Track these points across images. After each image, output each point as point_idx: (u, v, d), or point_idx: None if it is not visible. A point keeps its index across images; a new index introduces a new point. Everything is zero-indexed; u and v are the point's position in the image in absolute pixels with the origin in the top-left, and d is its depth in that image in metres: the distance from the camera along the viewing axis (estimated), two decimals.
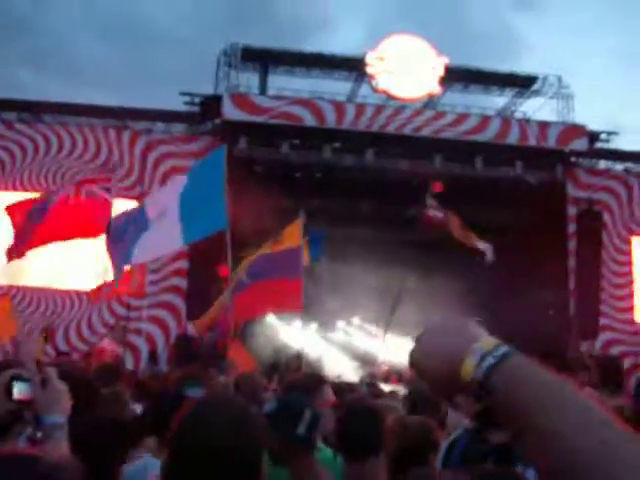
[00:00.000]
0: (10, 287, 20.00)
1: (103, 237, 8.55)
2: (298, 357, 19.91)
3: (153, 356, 19.67)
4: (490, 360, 1.04)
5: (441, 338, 1.14)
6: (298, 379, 4.13)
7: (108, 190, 10.53)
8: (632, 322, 23.09)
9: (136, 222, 7.65)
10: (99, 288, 13.62)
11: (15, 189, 21.19)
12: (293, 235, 7.15)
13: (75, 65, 71.55)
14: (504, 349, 1.05)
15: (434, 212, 19.32)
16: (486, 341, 1.08)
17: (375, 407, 3.45)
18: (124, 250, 7.50)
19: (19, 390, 2.06)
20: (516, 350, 1.05)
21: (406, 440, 3.24)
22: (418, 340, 1.17)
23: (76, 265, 20.79)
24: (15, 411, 2.12)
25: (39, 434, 2.05)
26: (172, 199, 7.44)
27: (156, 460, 3.04)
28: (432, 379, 1.14)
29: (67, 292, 20.97)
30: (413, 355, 1.17)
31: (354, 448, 3.13)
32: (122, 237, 7.75)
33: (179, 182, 7.74)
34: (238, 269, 7.41)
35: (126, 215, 8.24)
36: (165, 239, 7.47)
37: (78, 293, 21.08)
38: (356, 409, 3.39)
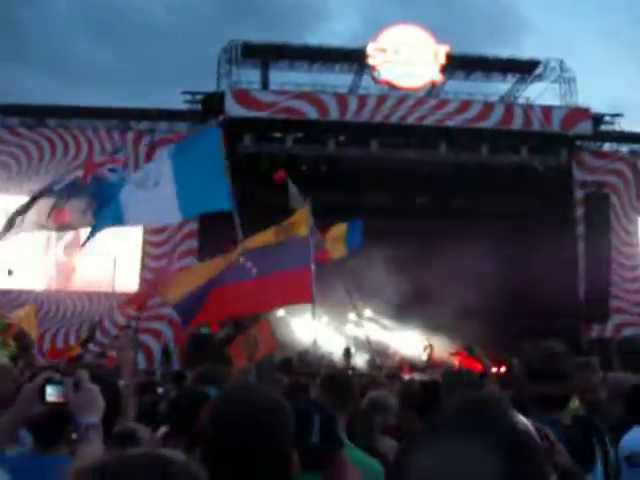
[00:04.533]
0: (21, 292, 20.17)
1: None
2: (307, 352, 20.05)
3: (166, 354, 19.73)
4: None
5: None
6: None
7: (114, 172, 10.53)
8: None
9: (114, 184, 7.61)
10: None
11: (22, 193, 21.23)
12: (301, 224, 7.03)
13: (71, 65, 71.63)
14: None
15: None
16: None
17: None
18: (109, 210, 7.44)
19: (52, 393, 2.11)
20: None
21: None
22: None
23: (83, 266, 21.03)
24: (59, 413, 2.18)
25: (74, 435, 2.12)
26: (163, 171, 7.40)
27: None
28: None
29: (76, 293, 21.03)
30: None
31: None
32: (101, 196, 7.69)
33: (166, 155, 7.71)
34: (232, 254, 7.15)
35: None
36: (161, 209, 7.41)
37: (89, 294, 21.18)
38: None
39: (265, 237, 6.86)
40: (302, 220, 6.93)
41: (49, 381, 2.13)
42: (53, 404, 2.12)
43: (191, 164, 7.20)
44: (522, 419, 1.07)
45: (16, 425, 2.16)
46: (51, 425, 2.26)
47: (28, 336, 9.94)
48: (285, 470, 1.79)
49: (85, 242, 7.60)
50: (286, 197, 18.34)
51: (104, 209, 7.48)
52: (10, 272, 19.39)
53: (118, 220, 7.41)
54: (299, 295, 6.87)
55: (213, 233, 19.13)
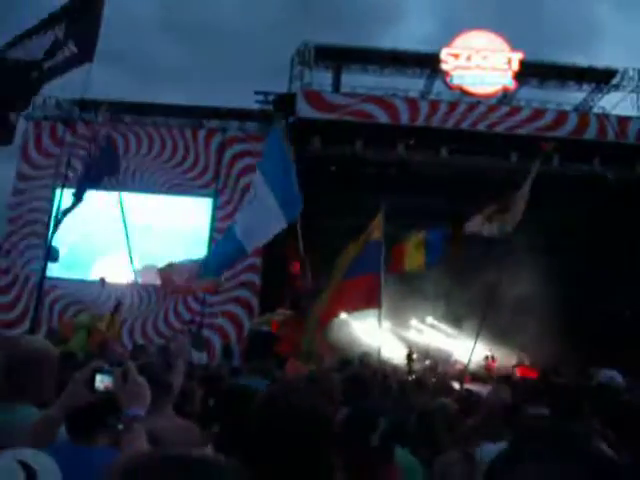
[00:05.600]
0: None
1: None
2: (368, 355, 19.97)
3: (227, 351, 19.93)
4: None
5: None
6: None
7: None
8: None
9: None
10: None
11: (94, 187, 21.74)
12: (376, 228, 7.12)
13: (147, 63, 72.94)
14: None
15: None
16: None
17: None
18: (230, 246, 7.71)
19: (101, 382, 2.17)
20: None
21: None
22: None
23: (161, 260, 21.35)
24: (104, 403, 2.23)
25: (120, 426, 2.13)
26: (256, 181, 7.66)
27: None
28: None
29: (144, 286, 21.41)
30: None
31: None
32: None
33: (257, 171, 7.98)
34: (335, 270, 7.31)
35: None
36: (268, 220, 7.64)
37: (155, 287, 21.56)
38: None
39: (354, 251, 6.98)
40: (377, 224, 7.02)
41: (98, 370, 2.19)
42: (101, 393, 2.17)
43: (274, 169, 7.41)
44: (605, 449, 1.13)
45: (64, 415, 2.19)
46: (87, 414, 2.26)
47: (110, 347, 10.07)
48: (325, 475, 1.80)
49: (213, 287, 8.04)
50: (353, 200, 18.50)
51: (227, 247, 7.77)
52: (103, 281, 19.74)
53: (242, 251, 7.69)
54: (367, 300, 6.96)
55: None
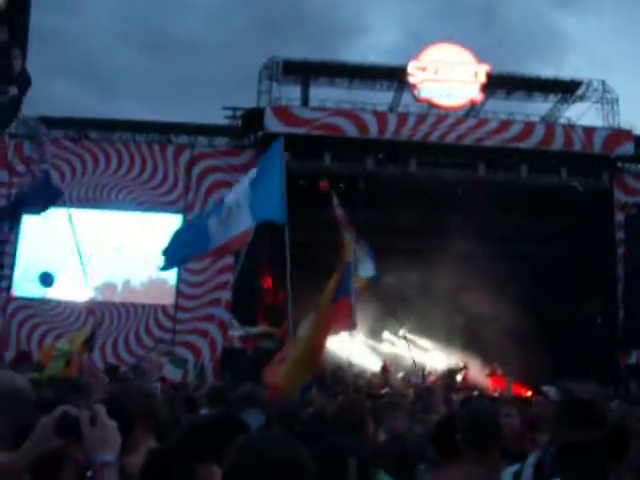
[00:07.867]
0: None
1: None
2: (342, 369, 20.04)
3: (200, 369, 19.74)
4: None
5: None
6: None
7: None
8: None
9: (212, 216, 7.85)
10: None
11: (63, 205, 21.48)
12: (346, 249, 7.08)
13: (112, 78, 72.31)
14: None
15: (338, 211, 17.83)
16: None
17: None
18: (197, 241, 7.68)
19: (68, 428, 2.02)
20: None
21: None
22: None
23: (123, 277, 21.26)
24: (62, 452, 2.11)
25: (89, 473, 2.00)
26: (243, 190, 7.67)
27: None
28: None
29: (114, 304, 21.22)
30: None
31: None
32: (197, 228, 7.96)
33: (249, 175, 8.01)
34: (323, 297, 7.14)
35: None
36: (238, 223, 7.63)
37: (125, 305, 21.37)
38: None
39: (338, 274, 6.90)
40: (348, 245, 6.99)
41: (65, 415, 2.05)
42: (69, 440, 2.04)
43: (261, 177, 7.43)
44: None
45: (30, 463, 2.03)
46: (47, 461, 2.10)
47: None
48: None
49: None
50: (323, 214, 18.47)
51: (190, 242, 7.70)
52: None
53: (204, 249, 7.64)
54: (344, 322, 6.87)
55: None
